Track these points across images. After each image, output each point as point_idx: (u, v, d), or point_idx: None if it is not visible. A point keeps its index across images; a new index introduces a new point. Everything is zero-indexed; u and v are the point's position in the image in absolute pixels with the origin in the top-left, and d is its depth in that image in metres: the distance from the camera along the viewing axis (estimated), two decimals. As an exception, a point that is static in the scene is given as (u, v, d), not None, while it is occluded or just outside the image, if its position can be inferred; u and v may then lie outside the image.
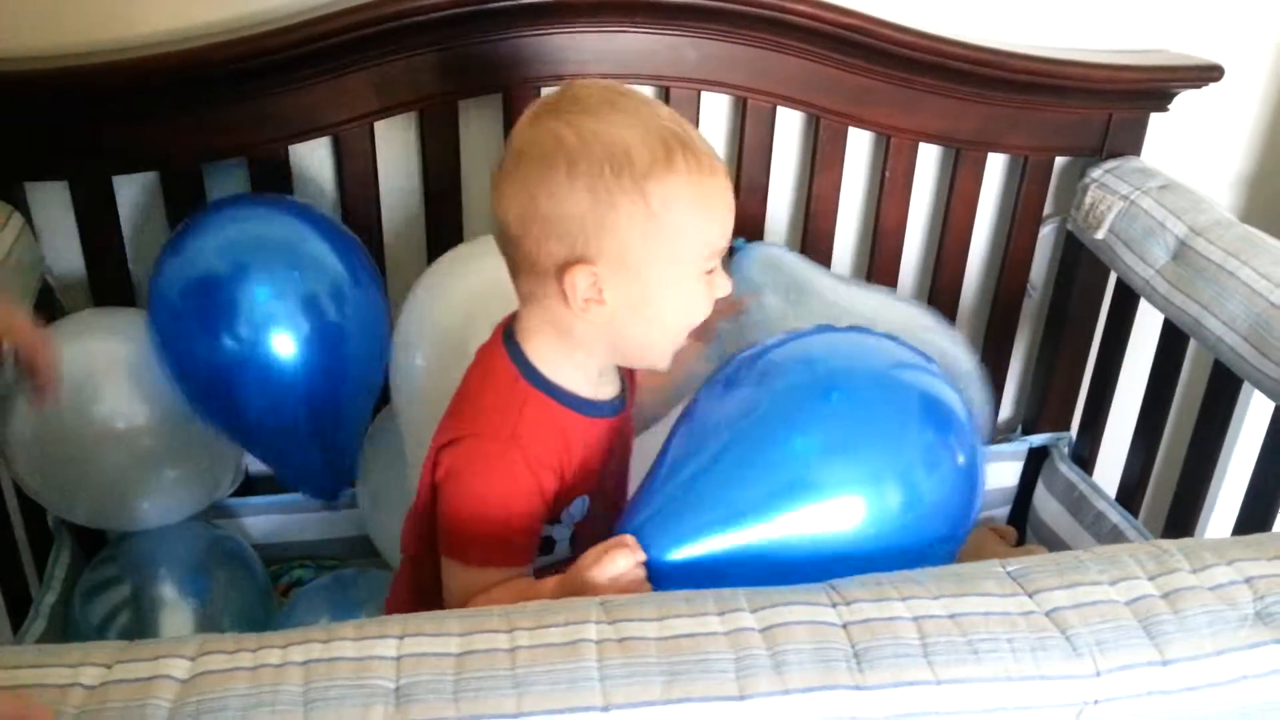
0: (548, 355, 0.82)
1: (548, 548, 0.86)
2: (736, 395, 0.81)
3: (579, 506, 0.86)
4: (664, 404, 1.00)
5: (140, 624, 1.06)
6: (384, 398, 1.32)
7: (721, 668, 0.59)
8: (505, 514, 0.80)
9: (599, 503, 0.87)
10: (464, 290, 1.09)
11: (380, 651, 0.58)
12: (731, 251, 0.96)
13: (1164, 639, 0.63)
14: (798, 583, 0.67)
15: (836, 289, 0.98)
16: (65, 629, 1.09)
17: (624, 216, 0.76)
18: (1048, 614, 0.64)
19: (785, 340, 0.85)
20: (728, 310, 0.97)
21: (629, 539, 0.75)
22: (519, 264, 0.80)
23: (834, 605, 0.64)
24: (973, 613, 0.64)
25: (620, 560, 0.74)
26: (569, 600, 0.63)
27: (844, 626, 0.62)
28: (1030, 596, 0.66)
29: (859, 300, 0.99)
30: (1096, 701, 0.61)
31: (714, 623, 0.62)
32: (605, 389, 0.86)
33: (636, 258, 0.78)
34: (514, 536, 0.80)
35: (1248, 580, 0.67)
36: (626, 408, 0.89)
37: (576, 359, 0.83)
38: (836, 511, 0.74)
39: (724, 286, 0.82)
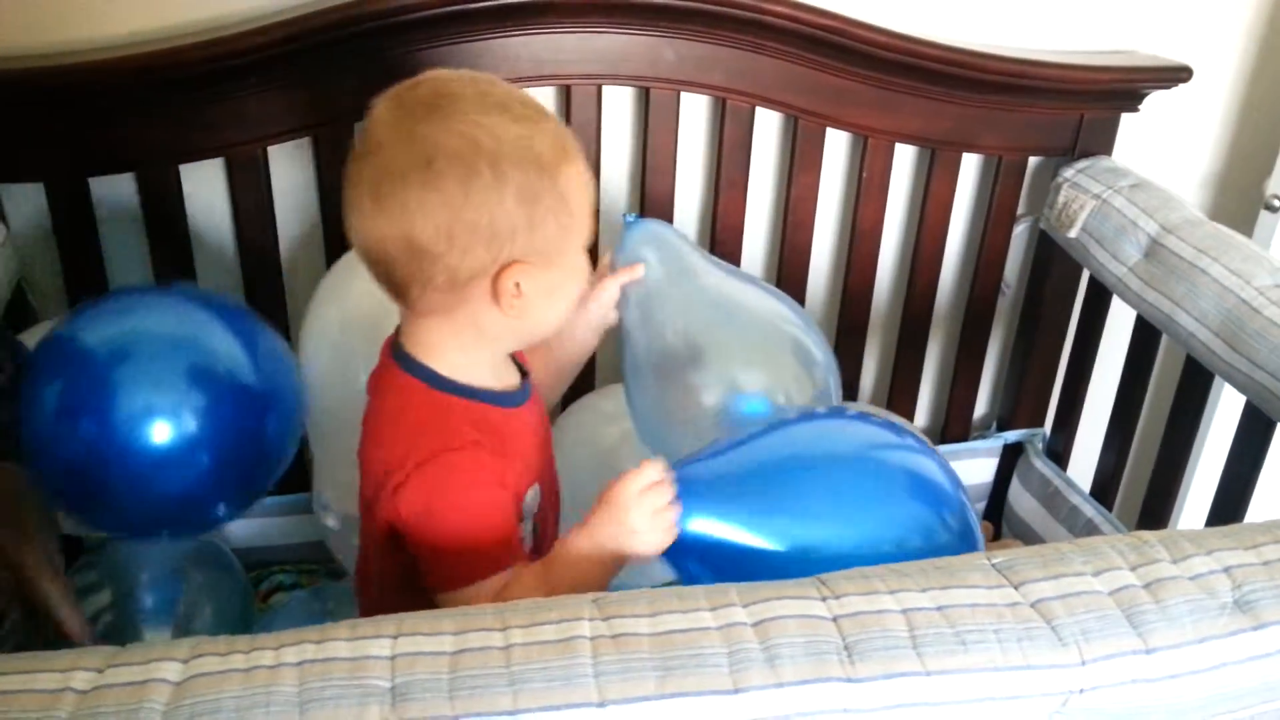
0: (453, 361, 0.82)
1: None
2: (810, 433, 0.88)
3: (533, 497, 0.87)
4: (564, 382, 1.04)
5: (121, 630, 1.04)
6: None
7: (715, 662, 0.59)
8: (489, 521, 0.80)
9: (547, 491, 0.89)
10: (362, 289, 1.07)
11: (374, 651, 0.58)
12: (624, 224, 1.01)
13: (1147, 628, 0.64)
14: None
15: (710, 272, 1.03)
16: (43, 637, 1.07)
17: (549, 213, 0.78)
18: (1033, 605, 0.65)
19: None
20: (628, 276, 0.98)
21: (653, 460, 0.78)
22: (430, 278, 0.77)
23: (824, 599, 0.65)
24: (960, 605, 0.65)
25: (648, 471, 0.76)
26: (562, 598, 0.64)
27: (834, 620, 0.63)
28: (1015, 588, 0.67)
29: (729, 287, 1.03)
30: (1082, 690, 0.62)
31: (706, 618, 0.62)
32: (509, 379, 0.87)
33: (555, 249, 0.80)
34: (504, 534, 0.80)
35: (1226, 570, 0.68)
36: (532, 392, 0.90)
37: (481, 358, 0.84)
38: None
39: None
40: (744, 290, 1.04)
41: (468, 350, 0.82)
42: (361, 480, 0.84)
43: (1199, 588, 0.67)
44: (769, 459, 0.85)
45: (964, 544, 0.84)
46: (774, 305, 1.05)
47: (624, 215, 1.00)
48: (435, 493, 0.78)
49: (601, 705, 0.57)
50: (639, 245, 1.00)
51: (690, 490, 0.79)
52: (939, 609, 0.64)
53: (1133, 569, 0.68)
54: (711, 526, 0.80)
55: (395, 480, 0.79)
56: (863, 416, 0.94)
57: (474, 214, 0.75)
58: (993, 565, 0.69)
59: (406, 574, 0.82)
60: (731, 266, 1.10)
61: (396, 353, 0.83)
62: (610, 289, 0.98)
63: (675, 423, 0.96)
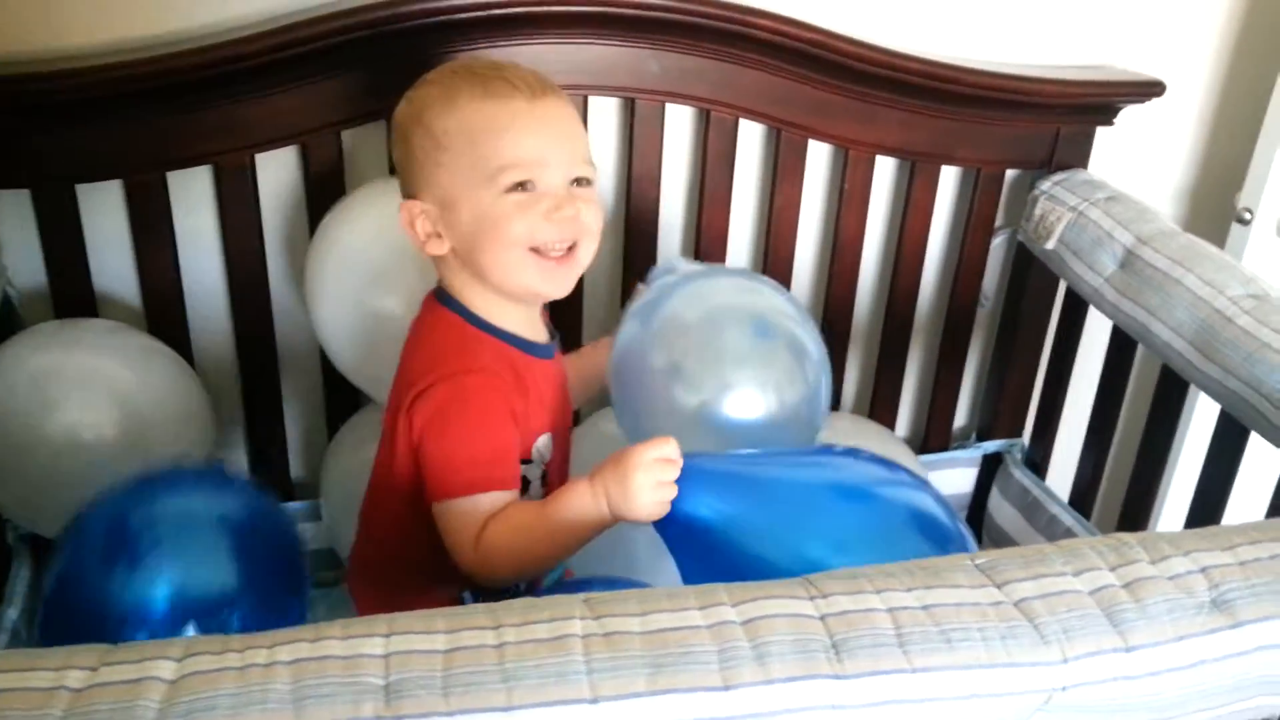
0: (477, 303, 0.90)
1: (523, 487, 0.90)
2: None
3: (545, 444, 0.92)
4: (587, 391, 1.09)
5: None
6: (349, 407, 1.32)
7: (705, 660, 0.60)
8: (493, 437, 0.86)
9: (560, 443, 0.94)
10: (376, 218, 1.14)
11: (368, 650, 0.59)
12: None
13: (1127, 626, 0.65)
14: None
15: (715, 278, 1.05)
16: (28, 645, 1.06)
17: (417, 151, 0.87)
18: (1016, 604, 0.66)
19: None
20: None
21: (672, 438, 0.82)
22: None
23: (811, 598, 0.65)
24: (944, 604, 0.66)
25: (670, 446, 0.80)
26: (553, 598, 0.64)
27: (822, 618, 0.64)
28: (999, 588, 0.68)
29: (726, 285, 1.05)
30: (1065, 688, 0.63)
31: (696, 616, 0.63)
32: (538, 333, 0.94)
33: (443, 187, 0.87)
34: (503, 458, 0.86)
35: (1203, 570, 0.70)
36: (556, 354, 0.97)
37: (494, 300, 0.90)
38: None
39: (560, 208, 0.87)
40: (741, 287, 1.05)
41: (479, 290, 0.90)
42: (388, 403, 0.92)
43: (1177, 587, 0.68)
44: (777, 475, 0.87)
45: None
46: (770, 299, 1.05)
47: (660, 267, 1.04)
48: (447, 403, 0.85)
49: (594, 701, 0.57)
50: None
51: (696, 474, 0.83)
52: (924, 608, 0.65)
53: (1112, 569, 0.69)
54: (705, 510, 0.83)
55: (416, 389, 0.87)
56: (877, 458, 0.95)
57: (395, 160, 0.92)
58: (976, 566, 0.70)
59: (411, 514, 0.88)
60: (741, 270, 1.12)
61: (438, 294, 0.93)
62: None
63: (662, 426, 0.97)
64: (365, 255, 1.13)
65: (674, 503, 0.82)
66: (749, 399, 0.95)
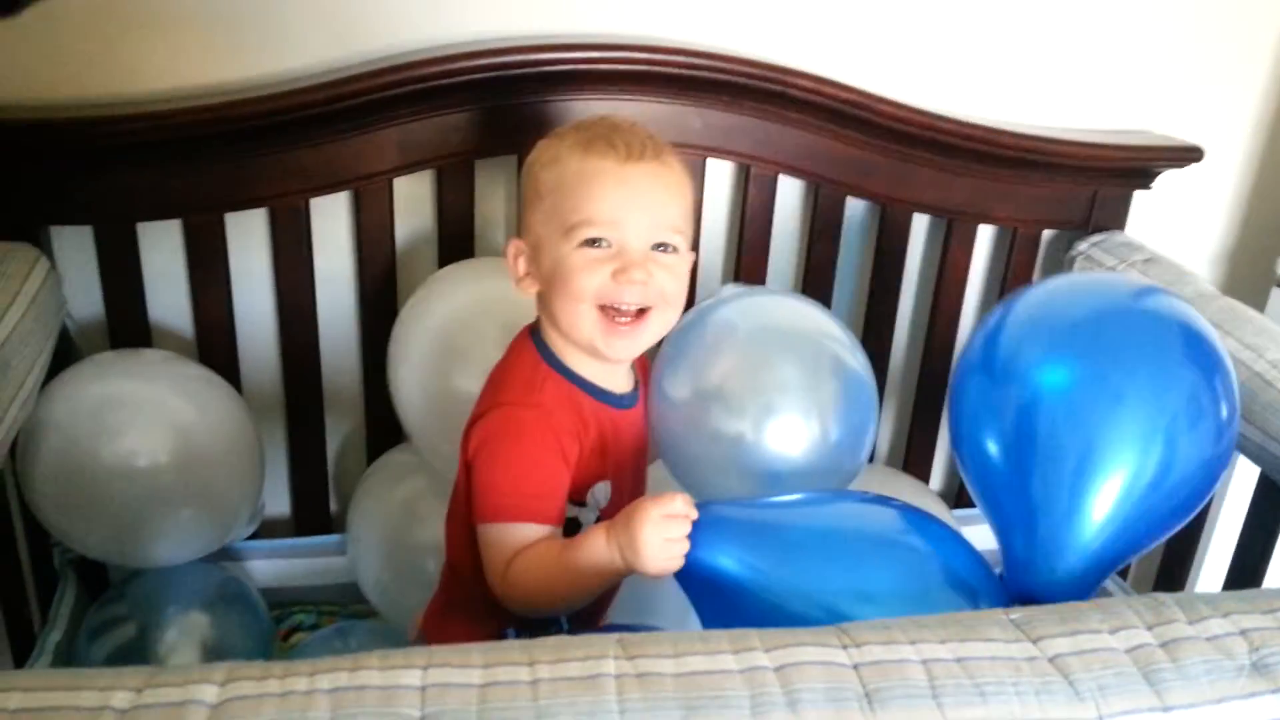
0: (552, 338, 0.92)
1: (574, 530, 0.90)
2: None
3: (602, 491, 0.92)
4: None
5: (144, 663, 1.05)
6: (382, 443, 1.34)
7: (738, 704, 0.60)
8: (536, 471, 0.87)
9: (622, 492, 0.94)
10: (453, 301, 1.18)
11: (405, 681, 0.59)
12: None
13: (1163, 686, 0.64)
14: None
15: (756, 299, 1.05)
16: (70, 667, 1.08)
17: (528, 196, 0.91)
18: (1050, 659, 0.66)
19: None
20: None
21: (684, 495, 0.82)
22: None
23: (844, 647, 0.65)
24: (978, 657, 0.65)
25: (678, 503, 0.81)
26: (587, 636, 0.65)
27: (855, 667, 0.64)
28: (1034, 643, 0.67)
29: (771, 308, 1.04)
30: (1099, 745, 0.63)
31: (729, 661, 0.63)
32: (618, 384, 0.95)
33: (535, 234, 0.90)
34: (545, 493, 0.87)
35: (1243, 632, 0.69)
36: (639, 403, 0.97)
37: (570, 347, 0.91)
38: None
39: (629, 272, 0.87)
40: (787, 308, 1.03)
41: (557, 335, 0.92)
42: (470, 420, 0.93)
43: (1216, 649, 0.67)
44: (802, 523, 0.87)
45: None
46: (819, 322, 1.01)
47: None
48: (500, 431, 0.88)
49: (627, 742, 0.58)
50: None
51: (716, 524, 0.83)
52: (958, 660, 0.65)
53: (1149, 628, 0.69)
54: (726, 562, 0.82)
55: (477, 412, 0.90)
56: (907, 506, 0.93)
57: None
58: (1011, 620, 0.70)
59: (471, 538, 0.91)
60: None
61: (531, 329, 0.95)
62: None
63: (710, 467, 0.96)
64: (448, 331, 1.16)
65: (693, 554, 0.81)
66: (793, 427, 0.92)
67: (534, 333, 0.94)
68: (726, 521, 0.84)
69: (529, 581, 0.86)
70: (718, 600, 0.84)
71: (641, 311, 0.90)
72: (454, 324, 1.16)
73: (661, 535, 0.80)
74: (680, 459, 0.98)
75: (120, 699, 0.57)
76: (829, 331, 0.99)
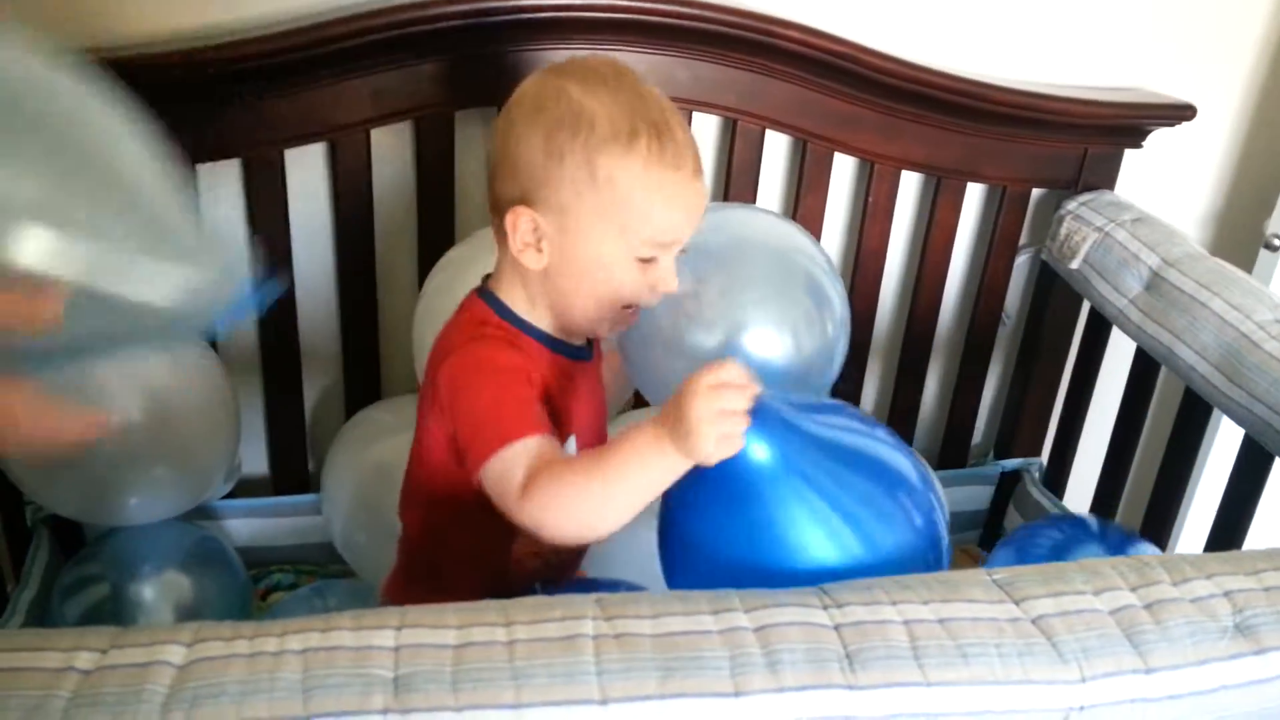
0: (515, 297, 0.88)
1: None
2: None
3: (571, 448, 0.89)
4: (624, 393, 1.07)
5: (119, 622, 1.03)
6: (360, 400, 1.32)
7: (716, 665, 0.60)
8: (512, 392, 0.82)
9: (588, 447, 0.89)
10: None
11: (378, 642, 0.58)
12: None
13: (1147, 648, 0.64)
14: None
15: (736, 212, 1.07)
16: (42, 626, 1.07)
17: (568, 174, 0.82)
18: (1034, 621, 0.65)
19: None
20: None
21: (736, 360, 0.73)
22: (490, 201, 0.87)
23: (825, 608, 0.65)
24: (961, 618, 0.65)
25: (730, 369, 0.71)
26: (565, 597, 0.64)
27: (836, 628, 0.63)
28: (1017, 604, 0.67)
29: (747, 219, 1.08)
30: (1082, 708, 0.62)
31: (708, 621, 0.63)
32: (571, 336, 0.91)
33: (574, 218, 0.83)
34: (528, 409, 0.82)
35: (1226, 594, 0.68)
36: (593, 358, 0.94)
37: (539, 305, 0.87)
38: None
39: (669, 283, 0.85)
40: (762, 222, 1.04)
41: (521, 290, 0.87)
42: (421, 392, 0.90)
43: (1200, 610, 0.67)
44: (847, 439, 0.79)
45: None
46: (796, 240, 1.03)
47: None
48: (465, 368, 0.83)
49: (603, 703, 0.57)
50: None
51: (767, 419, 0.72)
52: (940, 621, 0.64)
53: (1133, 589, 0.68)
54: (770, 460, 0.73)
55: (440, 357, 0.85)
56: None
57: (509, 146, 0.84)
58: (994, 581, 0.69)
59: (437, 511, 0.88)
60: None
61: (479, 290, 0.90)
62: None
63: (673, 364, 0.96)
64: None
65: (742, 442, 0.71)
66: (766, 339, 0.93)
67: (483, 293, 0.89)
68: (779, 414, 0.74)
69: (555, 497, 0.75)
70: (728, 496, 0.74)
71: None
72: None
73: (715, 408, 0.69)
74: (657, 381, 0.96)
75: (84, 660, 0.56)
76: (799, 245, 1.01)
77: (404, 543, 0.95)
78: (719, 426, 0.70)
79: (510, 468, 0.78)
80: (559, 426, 0.86)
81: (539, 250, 0.84)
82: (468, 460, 0.81)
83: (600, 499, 0.74)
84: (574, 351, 0.90)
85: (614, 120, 0.81)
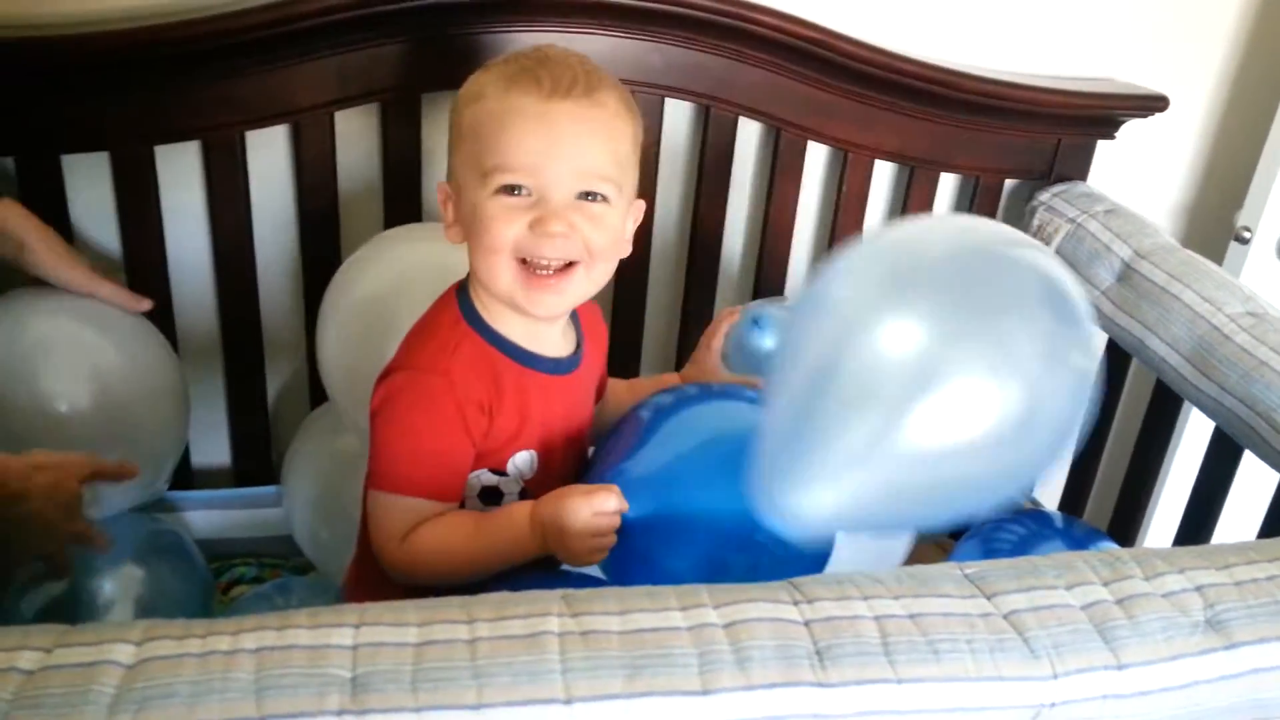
0: (485, 302, 0.85)
1: (494, 500, 0.86)
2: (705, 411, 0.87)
3: (525, 461, 0.87)
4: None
5: (78, 617, 1.00)
6: (320, 393, 1.30)
7: (684, 662, 0.58)
8: (434, 446, 0.81)
9: (549, 463, 0.88)
10: (390, 268, 1.11)
11: (336, 640, 0.56)
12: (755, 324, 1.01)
13: (1119, 643, 0.64)
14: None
15: None
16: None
17: (451, 133, 0.83)
18: (1005, 616, 0.65)
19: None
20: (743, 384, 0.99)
21: (616, 489, 0.79)
22: None
23: (796, 603, 0.64)
24: (932, 613, 0.64)
25: (611, 501, 0.78)
26: (530, 593, 0.62)
27: (806, 624, 0.62)
28: (988, 599, 0.66)
29: None
30: (1053, 704, 0.62)
31: (676, 618, 0.61)
32: (550, 346, 0.88)
33: (457, 176, 0.83)
34: (443, 470, 0.82)
35: (1198, 589, 0.68)
36: (577, 369, 0.90)
37: (495, 303, 0.85)
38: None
39: (546, 222, 0.79)
40: None
41: (481, 289, 0.85)
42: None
43: (1171, 605, 0.66)
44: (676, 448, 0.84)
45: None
46: None
47: (750, 314, 0.99)
48: (399, 394, 0.82)
49: (568, 702, 0.55)
50: (759, 346, 0.99)
51: (632, 487, 0.80)
52: (911, 617, 0.63)
53: (1105, 584, 0.68)
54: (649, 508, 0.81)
55: (386, 369, 0.84)
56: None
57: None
58: (965, 575, 0.68)
59: None
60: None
61: (462, 282, 0.88)
62: (720, 377, 1.00)
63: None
64: (381, 302, 1.08)
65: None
66: None
67: (462, 288, 0.87)
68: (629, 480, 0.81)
69: (433, 555, 0.81)
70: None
71: (567, 266, 0.82)
72: (390, 292, 1.07)
73: (592, 531, 0.77)
74: None
75: (27, 660, 0.54)
76: None
77: (362, 536, 0.93)
78: (593, 547, 0.78)
79: (398, 514, 0.81)
80: (515, 440, 0.85)
81: (452, 224, 0.84)
82: (368, 471, 0.83)
83: (468, 567, 0.81)
84: (546, 364, 0.87)
85: (481, 71, 0.83)
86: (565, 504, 0.78)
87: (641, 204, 0.89)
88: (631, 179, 0.86)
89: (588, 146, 0.80)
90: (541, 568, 0.83)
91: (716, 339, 1.01)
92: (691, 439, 0.85)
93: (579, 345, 0.91)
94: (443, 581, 0.80)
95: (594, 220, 0.81)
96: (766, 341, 0.97)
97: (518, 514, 0.80)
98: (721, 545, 0.81)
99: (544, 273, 0.81)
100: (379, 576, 0.85)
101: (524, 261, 0.81)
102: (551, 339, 0.88)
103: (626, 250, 0.88)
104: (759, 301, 0.97)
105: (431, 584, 0.80)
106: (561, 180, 0.80)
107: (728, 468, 0.79)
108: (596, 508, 0.77)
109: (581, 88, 0.80)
